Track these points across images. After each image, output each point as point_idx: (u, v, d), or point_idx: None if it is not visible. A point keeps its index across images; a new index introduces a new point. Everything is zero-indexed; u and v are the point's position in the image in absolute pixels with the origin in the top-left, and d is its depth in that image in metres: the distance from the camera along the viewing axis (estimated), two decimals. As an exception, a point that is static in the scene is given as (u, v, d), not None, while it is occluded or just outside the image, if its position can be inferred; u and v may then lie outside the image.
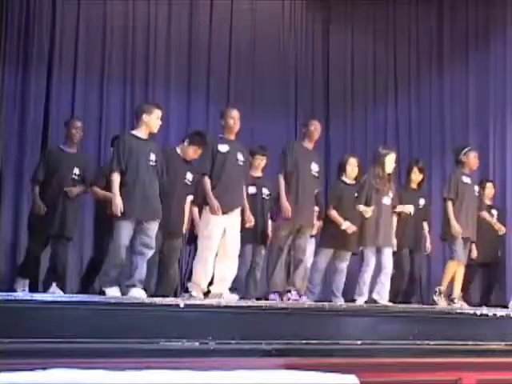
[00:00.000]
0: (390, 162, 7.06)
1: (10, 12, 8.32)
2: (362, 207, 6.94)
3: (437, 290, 7.30)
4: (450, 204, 7.25)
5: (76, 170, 6.80)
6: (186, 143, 6.57)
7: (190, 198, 6.58)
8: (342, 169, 7.39)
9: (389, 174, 7.08)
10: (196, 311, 4.56)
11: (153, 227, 5.64)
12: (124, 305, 4.53)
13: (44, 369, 3.29)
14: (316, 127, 6.82)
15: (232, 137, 6.29)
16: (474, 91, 9.89)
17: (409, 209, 7.12)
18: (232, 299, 5.94)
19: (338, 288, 7.22)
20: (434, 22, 10.46)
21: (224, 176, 6.12)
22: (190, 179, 6.52)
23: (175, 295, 6.52)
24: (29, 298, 4.42)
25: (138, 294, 5.46)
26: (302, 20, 10.64)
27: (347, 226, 7.01)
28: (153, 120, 5.67)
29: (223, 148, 6.18)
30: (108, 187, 6.44)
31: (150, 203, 5.61)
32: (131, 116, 8.32)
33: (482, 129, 9.63)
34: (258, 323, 4.62)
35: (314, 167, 6.76)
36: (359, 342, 4.75)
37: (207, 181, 6.10)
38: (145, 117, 5.66)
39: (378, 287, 6.92)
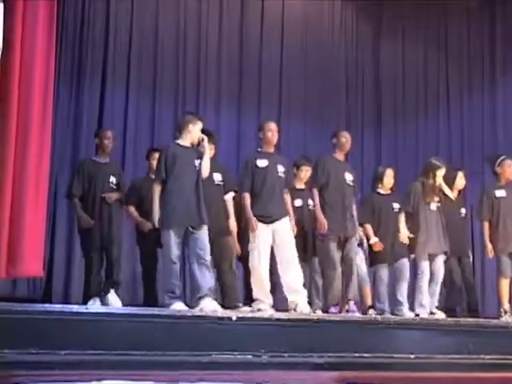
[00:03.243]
0: (440, 176, 7.14)
1: (64, 27, 8.44)
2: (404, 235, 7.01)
3: (501, 311, 7.19)
4: (483, 225, 7.30)
5: (112, 179, 6.85)
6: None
7: (230, 194, 6.55)
8: (378, 180, 7.42)
9: (435, 186, 7.15)
10: (248, 324, 4.54)
11: (202, 234, 5.62)
12: (176, 317, 4.54)
13: (99, 380, 3.32)
14: (347, 139, 6.80)
15: (271, 149, 6.36)
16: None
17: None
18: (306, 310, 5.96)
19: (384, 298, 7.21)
20: (487, 31, 10.32)
21: (265, 190, 6.20)
22: (220, 179, 6.53)
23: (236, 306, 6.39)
24: (83, 310, 4.47)
25: (210, 305, 5.39)
26: (352, 30, 10.57)
27: (374, 241, 7.09)
28: (196, 131, 5.81)
29: (262, 163, 6.26)
30: (140, 201, 6.78)
31: (196, 210, 5.62)
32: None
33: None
34: (311, 336, 4.58)
35: (349, 177, 6.75)
36: (412, 356, 4.69)
37: (247, 198, 6.20)
38: (191, 127, 5.80)
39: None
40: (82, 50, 8.65)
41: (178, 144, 5.84)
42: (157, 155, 6.41)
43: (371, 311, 7.03)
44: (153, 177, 6.19)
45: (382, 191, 7.42)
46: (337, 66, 10.32)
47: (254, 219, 6.08)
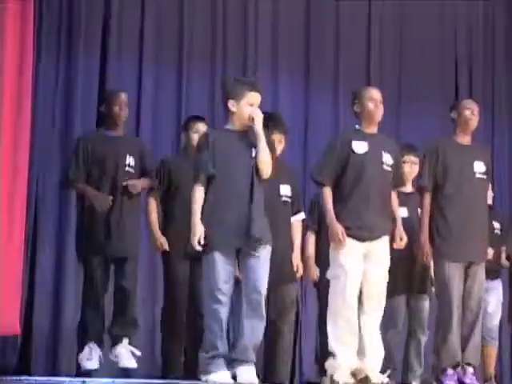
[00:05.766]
0: None
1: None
2: None
3: None
4: None
5: (129, 160, 6.90)
6: None
7: (299, 216, 6.67)
8: None
9: None
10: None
11: (260, 260, 5.58)
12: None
13: None
14: (473, 110, 6.87)
15: (373, 129, 6.31)
16: None
17: None
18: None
19: None
20: None
21: (361, 189, 6.13)
22: (289, 193, 6.58)
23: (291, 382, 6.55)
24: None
25: (248, 375, 5.41)
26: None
27: None
28: (243, 108, 5.66)
29: (360, 147, 6.19)
30: (172, 192, 6.92)
31: (249, 224, 5.56)
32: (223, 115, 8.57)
33: None
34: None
35: (479, 167, 6.80)
36: None
37: (327, 193, 6.14)
38: (232, 104, 5.68)
39: None
40: (72, 13, 8.65)
41: (224, 129, 5.76)
42: (201, 126, 6.74)
43: None
44: (190, 155, 6.53)
45: None
46: (450, 25, 10.42)
47: (341, 229, 6.01)
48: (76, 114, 8.49)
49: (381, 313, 6.15)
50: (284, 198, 6.53)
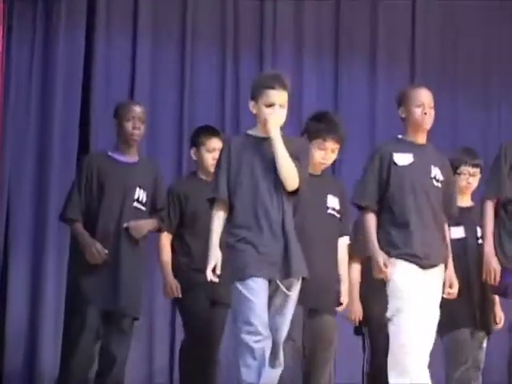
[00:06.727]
0: None
1: None
2: None
3: None
4: None
5: (139, 193, 6.48)
6: None
7: (344, 240, 6.23)
8: None
9: None
10: None
11: (289, 299, 5.25)
12: None
13: None
14: None
15: (420, 138, 5.94)
16: None
17: None
18: None
19: None
20: None
21: (409, 207, 5.78)
22: (337, 207, 6.13)
23: None
24: None
25: None
26: None
27: None
28: (262, 110, 5.31)
29: (403, 158, 5.86)
30: (186, 225, 6.57)
31: (284, 252, 5.21)
32: (235, 104, 8.64)
33: None
34: None
35: None
36: None
37: (369, 220, 5.81)
38: (252, 106, 5.38)
39: None
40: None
41: (248, 135, 5.46)
42: (216, 143, 6.38)
43: None
44: (203, 177, 6.40)
45: None
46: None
47: (382, 255, 5.66)
48: (55, 100, 8.13)
49: None
50: (330, 211, 6.11)
